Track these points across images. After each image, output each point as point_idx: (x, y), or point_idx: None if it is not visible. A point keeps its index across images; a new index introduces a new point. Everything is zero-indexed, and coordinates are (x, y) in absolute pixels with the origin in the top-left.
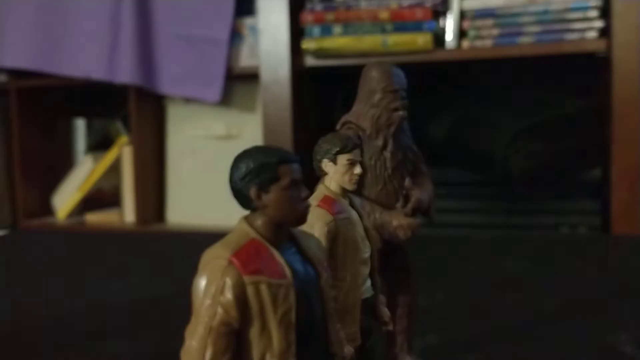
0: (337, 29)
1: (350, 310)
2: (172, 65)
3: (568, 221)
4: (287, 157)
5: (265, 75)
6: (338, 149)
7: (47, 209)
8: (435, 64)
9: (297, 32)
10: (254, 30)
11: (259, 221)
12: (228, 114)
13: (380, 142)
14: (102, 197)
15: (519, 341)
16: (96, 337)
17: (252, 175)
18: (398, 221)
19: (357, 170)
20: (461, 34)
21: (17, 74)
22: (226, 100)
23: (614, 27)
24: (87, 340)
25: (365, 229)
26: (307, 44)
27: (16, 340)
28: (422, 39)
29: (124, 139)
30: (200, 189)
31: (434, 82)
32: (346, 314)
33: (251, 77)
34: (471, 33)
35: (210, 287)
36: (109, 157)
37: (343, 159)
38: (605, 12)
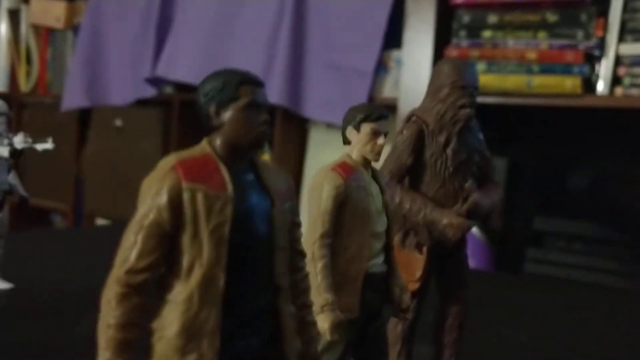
0: (481, 66)
1: (351, 280)
2: (318, 91)
3: None
4: (251, 80)
5: (403, 107)
6: (362, 116)
7: None
8: (586, 110)
9: None
10: (399, 62)
11: (218, 140)
12: None
13: (443, 139)
14: None
15: None
16: None
17: (213, 93)
18: (448, 220)
19: (381, 141)
20: (615, 80)
21: (180, 87)
22: None
23: None
24: None
25: (385, 204)
26: None
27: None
28: (570, 83)
29: (267, 156)
30: None
31: (580, 129)
32: (346, 283)
33: (392, 108)
34: (626, 80)
35: (151, 188)
36: None
37: (367, 127)
38: None
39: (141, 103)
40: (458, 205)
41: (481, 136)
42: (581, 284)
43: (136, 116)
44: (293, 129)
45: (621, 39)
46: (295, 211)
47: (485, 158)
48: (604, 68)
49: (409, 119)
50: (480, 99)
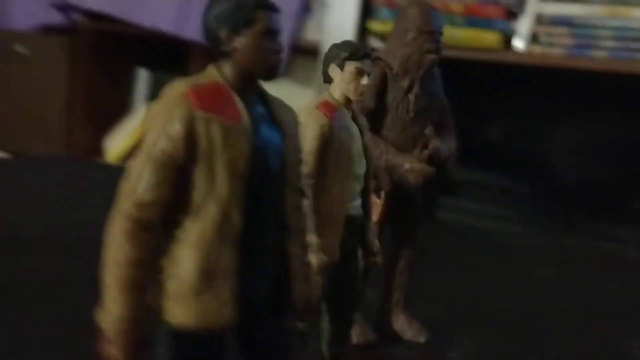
0: None
1: (333, 222)
2: None
3: (615, 247)
4: (267, 3)
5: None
6: (347, 54)
7: (97, 150)
8: (503, 66)
9: (365, 12)
10: (324, 5)
11: (228, 67)
12: (285, 85)
13: (406, 84)
14: None
15: (525, 335)
16: None
17: (225, 16)
18: (410, 165)
19: (364, 81)
20: (533, 38)
21: (91, 16)
22: (286, 71)
23: None
24: None
25: (365, 146)
26: (373, 25)
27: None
28: (491, 38)
29: None
30: None
31: (499, 83)
32: (328, 224)
33: (314, 51)
34: (543, 39)
35: (160, 115)
36: None
37: (351, 66)
38: None
39: (47, 29)
40: (417, 151)
41: (441, 83)
42: (490, 232)
43: (41, 43)
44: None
45: None
46: (299, 147)
47: (444, 105)
48: (524, 26)
49: (372, 60)
50: None
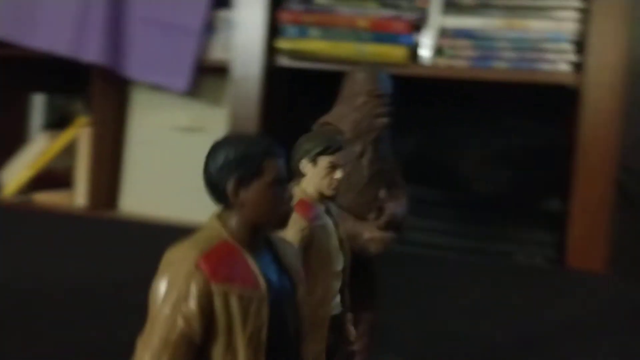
0: (314, 31)
1: (319, 326)
2: (140, 49)
3: (524, 250)
4: (274, 151)
5: (235, 70)
6: (320, 149)
7: None
8: (410, 79)
9: (273, 30)
10: (229, 23)
11: (234, 221)
12: (194, 106)
13: (358, 149)
14: (53, 177)
15: None
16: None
17: (231, 167)
18: (370, 234)
19: (338, 175)
20: (438, 51)
21: None
22: (193, 91)
23: (588, 63)
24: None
25: (340, 240)
26: (281, 44)
27: None
28: (397, 52)
29: (83, 119)
30: (158, 180)
31: (407, 97)
32: (313, 330)
33: (221, 70)
34: (448, 52)
35: (172, 292)
36: (66, 136)
37: (324, 161)
38: (581, 46)
39: None
40: (373, 216)
41: (388, 143)
42: (404, 242)
43: None
44: (113, 90)
45: (444, 12)
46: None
47: (393, 165)
48: (428, 39)
49: (321, 126)
50: (313, 65)
